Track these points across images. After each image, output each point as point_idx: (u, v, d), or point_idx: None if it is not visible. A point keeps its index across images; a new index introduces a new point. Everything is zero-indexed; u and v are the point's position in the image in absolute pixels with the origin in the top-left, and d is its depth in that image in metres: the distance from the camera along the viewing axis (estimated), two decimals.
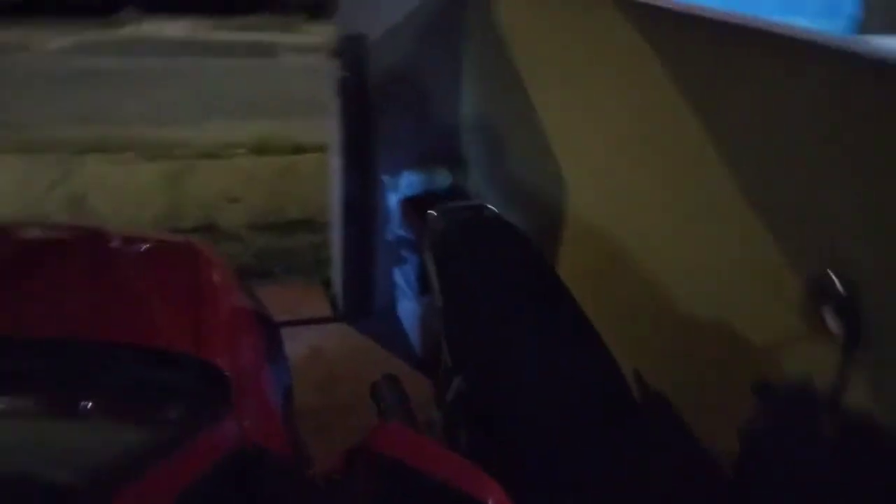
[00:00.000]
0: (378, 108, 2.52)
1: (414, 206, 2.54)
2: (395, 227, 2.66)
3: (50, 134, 5.71)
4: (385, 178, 2.62)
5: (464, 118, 2.60)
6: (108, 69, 8.51)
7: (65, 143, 5.45)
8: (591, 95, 1.83)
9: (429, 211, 1.81)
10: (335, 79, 2.37)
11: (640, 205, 1.66)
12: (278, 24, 13.33)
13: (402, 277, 2.77)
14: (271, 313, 1.79)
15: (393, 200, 2.64)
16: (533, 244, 1.79)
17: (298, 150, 5.59)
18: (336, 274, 3.11)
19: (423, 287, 2.59)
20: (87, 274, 1.58)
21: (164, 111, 6.73)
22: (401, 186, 2.61)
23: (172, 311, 1.40)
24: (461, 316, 1.60)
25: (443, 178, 2.60)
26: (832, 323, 1.06)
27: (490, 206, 1.83)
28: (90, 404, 1.13)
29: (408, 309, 2.68)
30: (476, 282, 1.60)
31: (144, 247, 1.82)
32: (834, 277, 1.07)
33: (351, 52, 2.34)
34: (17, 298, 1.40)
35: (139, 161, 5.14)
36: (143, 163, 5.10)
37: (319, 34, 12.74)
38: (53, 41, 10.25)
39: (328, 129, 2.89)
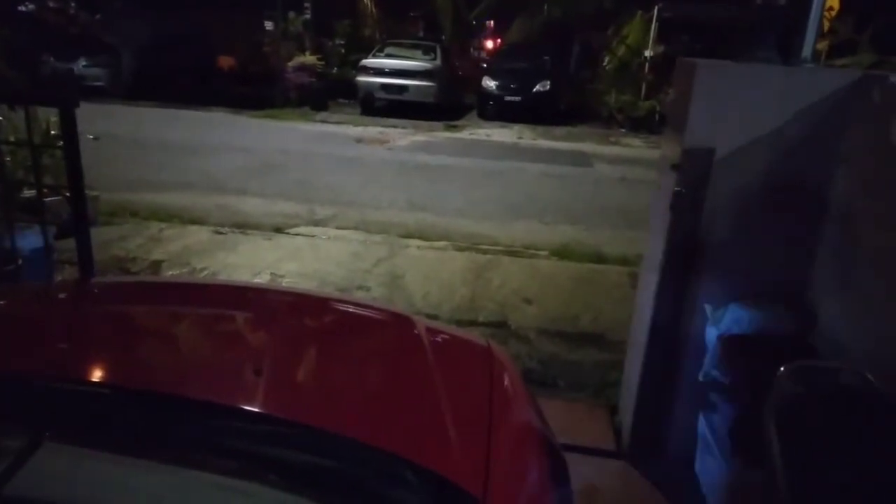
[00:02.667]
0: (711, 228, 2.20)
1: (738, 346, 2.13)
2: (710, 367, 2.25)
3: (385, 216, 6.52)
4: (707, 307, 2.26)
5: (824, 251, 2.13)
6: (441, 165, 9.60)
7: (395, 226, 6.15)
8: None
9: (781, 369, 1.42)
10: (671, 193, 2.14)
11: None
12: (598, 135, 13.80)
13: (709, 428, 2.32)
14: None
15: (712, 335, 2.25)
16: None
17: (600, 259, 5.45)
18: (626, 402, 2.77)
19: (736, 447, 2.11)
20: (378, 361, 1.55)
21: (479, 207, 7.23)
22: (724, 320, 2.21)
23: (458, 425, 1.25)
24: None
25: (780, 319, 2.15)
26: None
27: (868, 376, 1.37)
28: None
29: (712, 469, 2.21)
30: (849, 485, 1.15)
31: (443, 342, 1.75)
32: None
33: (692, 166, 2.09)
34: (298, 377, 1.41)
35: (451, 250, 5.50)
36: (454, 252, 5.43)
37: (638, 147, 12.86)
38: (404, 139, 12.03)
39: (649, 244, 2.65)
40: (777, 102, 2.05)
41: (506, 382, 1.64)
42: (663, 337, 2.39)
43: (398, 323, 1.83)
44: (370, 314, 1.93)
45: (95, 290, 1.90)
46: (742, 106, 2.07)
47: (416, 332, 1.74)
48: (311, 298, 2.08)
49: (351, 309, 1.97)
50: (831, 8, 9.92)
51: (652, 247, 2.57)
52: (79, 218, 2.29)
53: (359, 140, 11.51)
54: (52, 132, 3.77)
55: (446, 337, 1.84)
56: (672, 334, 2.37)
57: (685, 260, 2.24)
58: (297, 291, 2.83)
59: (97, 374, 1.34)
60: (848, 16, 9.03)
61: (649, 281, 2.50)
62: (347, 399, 1.30)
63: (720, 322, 2.22)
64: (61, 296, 1.82)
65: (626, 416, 2.70)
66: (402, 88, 14.10)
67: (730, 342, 2.16)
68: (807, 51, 2.16)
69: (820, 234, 2.16)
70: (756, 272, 2.25)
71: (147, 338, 1.49)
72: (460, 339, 1.86)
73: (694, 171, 2.12)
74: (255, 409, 1.21)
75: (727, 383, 2.21)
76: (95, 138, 3.71)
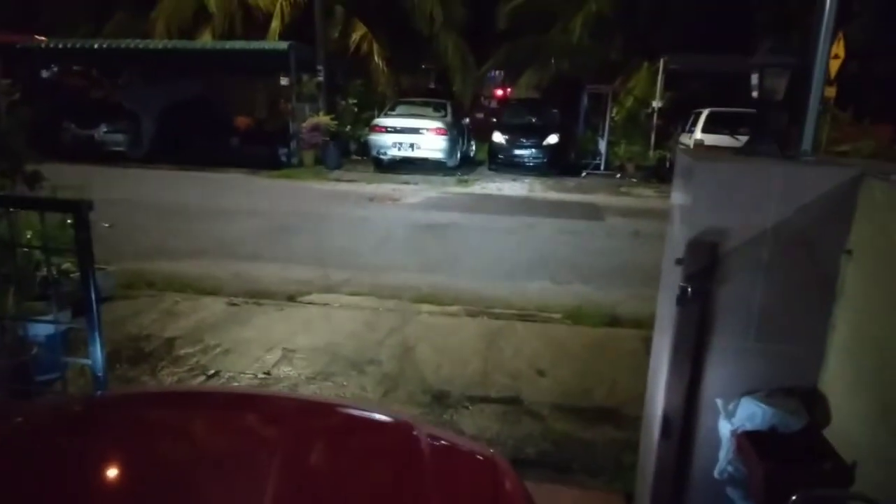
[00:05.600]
0: (719, 322, 2.18)
1: (753, 444, 2.07)
2: (726, 463, 2.20)
3: (397, 279, 6.54)
4: (718, 401, 2.22)
5: (836, 346, 2.10)
6: (453, 223, 9.67)
7: (407, 290, 6.15)
8: None
9: (793, 497, 1.38)
10: (676, 284, 2.13)
11: None
12: (609, 185, 13.88)
13: None
14: None
15: (725, 429, 2.20)
16: None
17: (614, 322, 5.40)
18: (642, 491, 2.70)
19: None
20: (378, 481, 1.53)
21: (491, 267, 7.23)
22: (737, 415, 2.17)
23: None
24: None
25: (794, 416, 2.10)
26: None
27: None
28: None
29: None
30: None
31: (445, 453, 1.73)
32: None
33: (696, 261, 2.09)
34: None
35: (464, 315, 5.48)
36: (467, 318, 5.42)
37: (649, 196, 12.88)
38: (417, 195, 12.16)
39: (658, 316, 2.63)
40: (778, 198, 2.05)
41: (510, 499, 1.61)
42: (676, 429, 2.34)
43: (400, 435, 1.81)
44: (369, 423, 1.91)
45: (91, 418, 1.85)
46: (743, 201, 2.08)
47: (417, 445, 1.72)
48: (304, 409, 2.04)
49: (348, 417, 1.95)
50: (837, 56, 10.08)
51: (662, 310, 2.55)
52: (92, 325, 2.32)
53: (371, 199, 11.66)
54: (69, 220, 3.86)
55: (449, 447, 1.82)
56: (685, 427, 2.32)
57: (693, 353, 2.21)
58: (293, 399, 2.76)
59: None
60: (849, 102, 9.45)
61: (659, 362, 2.47)
62: None
63: (733, 417, 2.18)
64: (56, 424, 1.79)
65: None
66: (414, 145, 14.35)
67: (744, 439, 2.11)
68: (806, 143, 2.18)
69: (831, 329, 2.13)
70: (767, 367, 2.21)
71: (146, 478, 1.48)
72: (464, 450, 1.83)
73: (698, 265, 2.11)
74: None
75: (743, 481, 2.16)
76: (110, 226, 3.81)
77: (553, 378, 4.20)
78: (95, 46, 15.77)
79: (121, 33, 16.95)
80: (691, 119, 14.35)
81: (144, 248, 7.24)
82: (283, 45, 15.20)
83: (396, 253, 7.81)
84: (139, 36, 16.69)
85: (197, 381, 3.99)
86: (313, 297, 5.88)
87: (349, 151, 16.49)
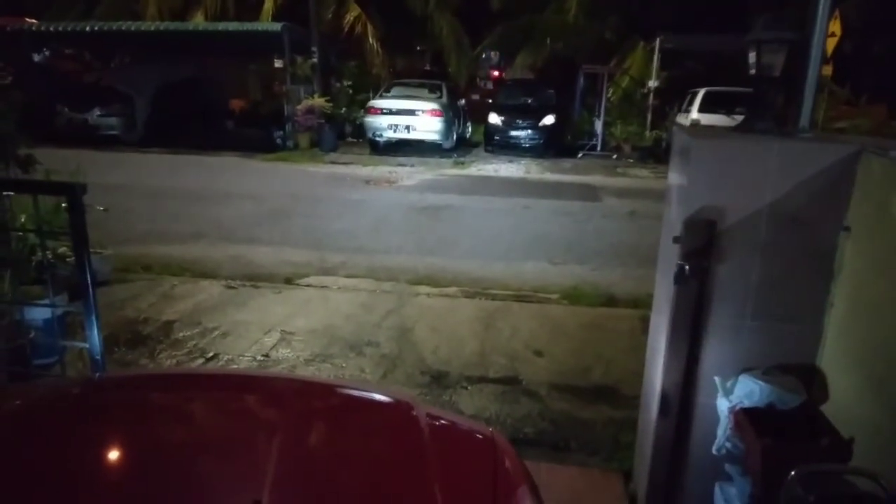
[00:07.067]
0: (716, 300, 2.19)
1: (751, 420, 2.09)
2: (723, 440, 2.21)
3: (394, 262, 6.53)
4: (717, 379, 2.23)
5: (833, 322, 2.10)
6: (449, 205, 9.64)
7: (404, 272, 6.15)
8: None
9: (792, 472, 1.39)
10: (674, 263, 2.13)
11: None
12: (606, 166, 13.84)
13: (724, 500, 2.27)
14: None
15: (723, 406, 2.22)
16: None
17: (611, 302, 5.41)
18: (640, 469, 2.72)
19: None
20: (378, 460, 1.54)
21: (488, 249, 7.23)
22: (735, 393, 2.18)
23: None
24: None
25: (792, 393, 2.11)
26: None
27: (880, 480, 1.32)
28: None
29: None
30: None
31: (445, 433, 1.74)
32: None
33: (693, 239, 2.09)
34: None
35: (461, 297, 5.48)
36: (464, 299, 5.42)
37: (646, 177, 12.84)
38: (413, 177, 12.11)
39: (655, 295, 2.64)
40: (776, 175, 2.05)
41: (510, 476, 1.62)
42: (674, 407, 2.35)
43: (400, 415, 1.82)
44: (369, 404, 1.91)
45: (89, 400, 1.84)
46: (741, 179, 2.07)
47: (418, 424, 1.73)
48: (304, 391, 2.04)
49: (348, 398, 1.95)
50: (833, 33, 10.04)
51: (659, 289, 2.55)
52: (89, 308, 2.31)
53: (367, 181, 11.61)
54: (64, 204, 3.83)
55: (449, 426, 1.82)
56: (683, 405, 2.34)
57: (691, 331, 2.21)
58: (292, 380, 2.76)
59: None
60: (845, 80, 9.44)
61: (657, 340, 2.48)
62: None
63: (731, 394, 2.19)
64: (54, 405, 1.78)
65: (641, 484, 2.65)
66: (410, 127, 14.27)
67: (741, 416, 2.12)
68: (804, 120, 2.17)
69: (829, 306, 2.13)
70: (765, 344, 2.22)
71: (145, 459, 1.48)
72: (464, 429, 1.84)
73: (695, 243, 2.11)
74: None
75: (741, 457, 2.17)
76: (105, 210, 3.80)
77: (550, 358, 4.21)
78: (87, 29, 15.56)
79: (111, 16, 16.72)
80: (687, 99, 14.30)
81: (140, 232, 7.21)
82: (277, 26, 15.04)
83: (393, 236, 7.79)
84: (130, 18, 16.48)
85: (195, 364, 4.00)
86: (310, 280, 5.87)
87: (344, 134, 16.39)
